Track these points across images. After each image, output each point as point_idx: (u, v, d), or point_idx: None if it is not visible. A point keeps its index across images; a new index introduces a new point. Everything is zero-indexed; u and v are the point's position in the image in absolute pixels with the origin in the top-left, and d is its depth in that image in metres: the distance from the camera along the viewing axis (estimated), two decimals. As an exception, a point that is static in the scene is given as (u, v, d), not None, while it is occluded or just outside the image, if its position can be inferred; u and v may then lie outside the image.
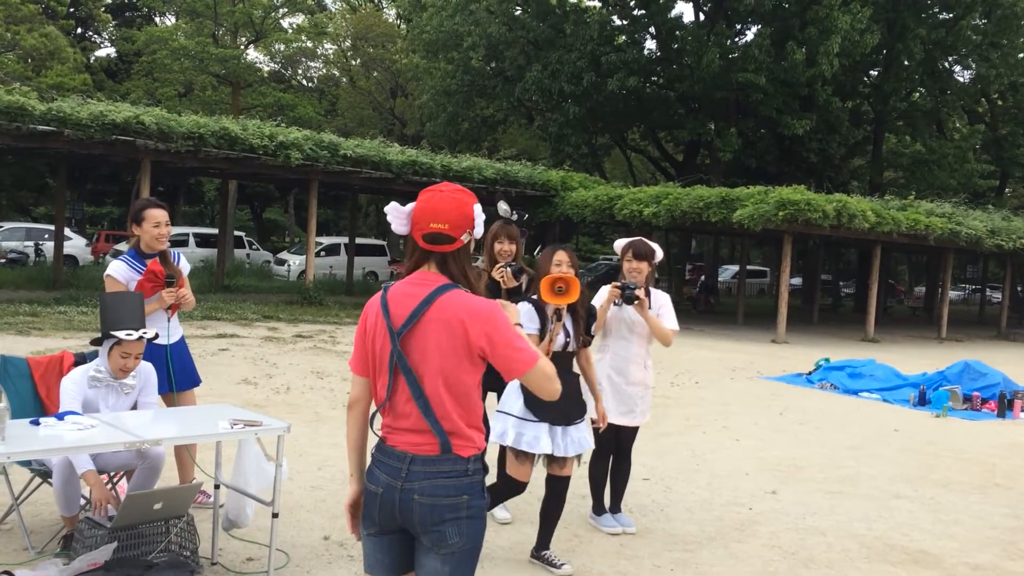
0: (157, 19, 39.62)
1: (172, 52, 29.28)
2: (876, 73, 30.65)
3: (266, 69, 39.81)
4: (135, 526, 4.07)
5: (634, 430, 5.43)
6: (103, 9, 38.40)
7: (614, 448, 5.44)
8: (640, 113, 30.27)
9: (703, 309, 27.40)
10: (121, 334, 4.26)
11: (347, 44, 41.24)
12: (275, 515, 3.95)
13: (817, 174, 30.18)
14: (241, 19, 30.94)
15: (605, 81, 26.60)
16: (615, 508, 5.48)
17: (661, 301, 5.42)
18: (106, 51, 40.89)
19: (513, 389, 4.52)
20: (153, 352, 4.74)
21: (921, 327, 26.60)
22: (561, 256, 4.60)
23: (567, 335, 4.51)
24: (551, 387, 2.64)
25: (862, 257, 31.45)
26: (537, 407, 4.43)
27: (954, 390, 10.94)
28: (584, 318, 4.66)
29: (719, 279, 34.43)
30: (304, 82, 44.41)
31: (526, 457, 4.46)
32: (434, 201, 2.61)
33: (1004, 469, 7.68)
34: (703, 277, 31.59)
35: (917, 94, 31.75)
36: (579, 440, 4.55)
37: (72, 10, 36.17)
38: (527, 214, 5.27)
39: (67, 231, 28.13)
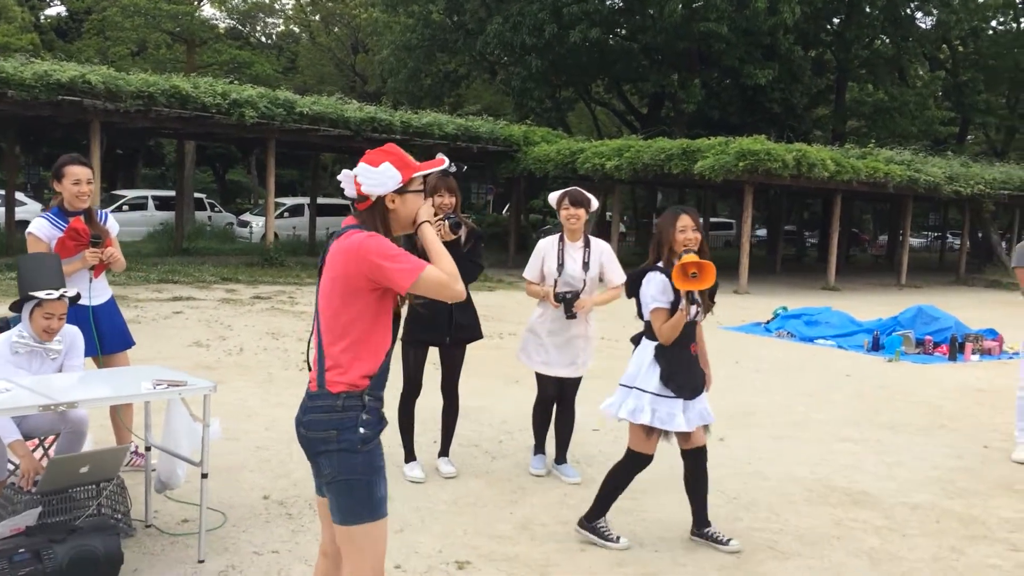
0: (108, -25, 38.57)
1: (123, 9, 28.49)
2: (838, 21, 30.55)
3: (222, 26, 38.97)
4: (64, 490, 4.01)
5: (577, 380, 5.46)
6: (51, -34, 37.33)
7: (557, 397, 5.48)
8: (604, 65, 30.00)
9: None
10: (41, 294, 4.15)
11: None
12: (204, 475, 3.89)
13: (780, 124, 30.16)
14: (193, -26, 30.23)
15: (567, 33, 26.27)
16: (560, 459, 5.52)
17: (602, 249, 5.39)
18: (56, 10, 39.75)
19: (646, 362, 4.26)
20: (77, 314, 4.63)
21: (882, 274, 26.86)
22: (685, 220, 4.20)
23: (697, 306, 4.24)
24: (450, 291, 2.69)
25: (825, 206, 31.63)
26: (674, 384, 4.21)
27: (907, 335, 11.06)
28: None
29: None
30: (263, 39, 43.56)
31: (651, 432, 4.27)
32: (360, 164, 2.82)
33: (951, 411, 7.79)
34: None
35: (879, 41, 31.71)
36: (701, 411, 4.35)
37: (18, -33, 35.09)
38: (465, 166, 5.17)
39: (21, 196, 27.60)
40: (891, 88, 31.22)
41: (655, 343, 4.26)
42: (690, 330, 4.29)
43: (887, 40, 31.53)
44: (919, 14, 31.33)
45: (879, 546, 4.55)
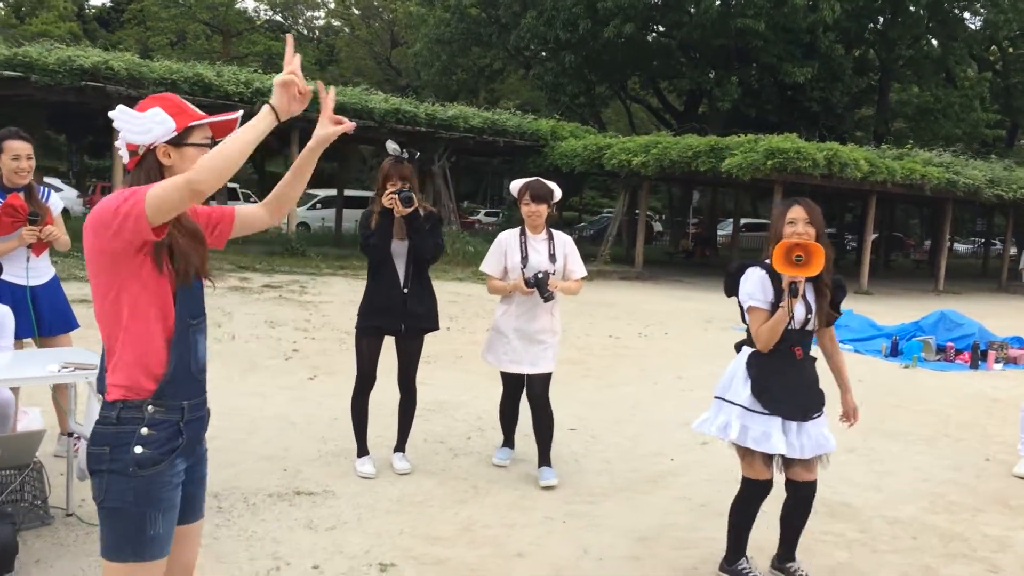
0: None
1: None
2: (882, 20, 29.79)
3: (264, 17, 39.22)
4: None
5: (545, 376, 5.12)
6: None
7: (521, 393, 5.24)
8: (639, 62, 29.61)
9: (698, 261, 27.03)
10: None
11: (347, -8, 40.56)
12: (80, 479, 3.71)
13: (820, 124, 29.53)
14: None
15: (601, 28, 25.96)
16: (542, 461, 5.16)
17: (564, 240, 5.15)
18: (101, 0, 40.35)
19: (739, 375, 3.76)
20: (14, 293, 4.48)
21: (922, 280, 26.11)
22: (797, 212, 3.64)
23: (808, 310, 3.68)
24: (221, 178, 2.11)
25: (865, 209, 30.91)
26: (767, 397, 3.66)
27: (927, 340, 10.60)
28: (830, 288, 3.76)
29: (720, 232, 33.96)
30: (304, 31, 43.77)
31: (753, 455, 3.73)
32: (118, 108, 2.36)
33: (958, 421, 7.38)
34: (691, 229, 31.19)
35: (924, 41, 30.87)
36: (817, 438, 3.73)
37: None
38: (418, 152, 4.94)
39: (59, 183, 28.01)
40: (936, 89, 30.39)
41: (752, 350, 3.74)
42: (795, 337, 3.68)
43: (933, 40, 30.69)
44: (967, 14, 30.45)
45: (846, 561, 4.23)
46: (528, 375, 5.11)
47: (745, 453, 3.76)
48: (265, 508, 4.40)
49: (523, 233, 5.09)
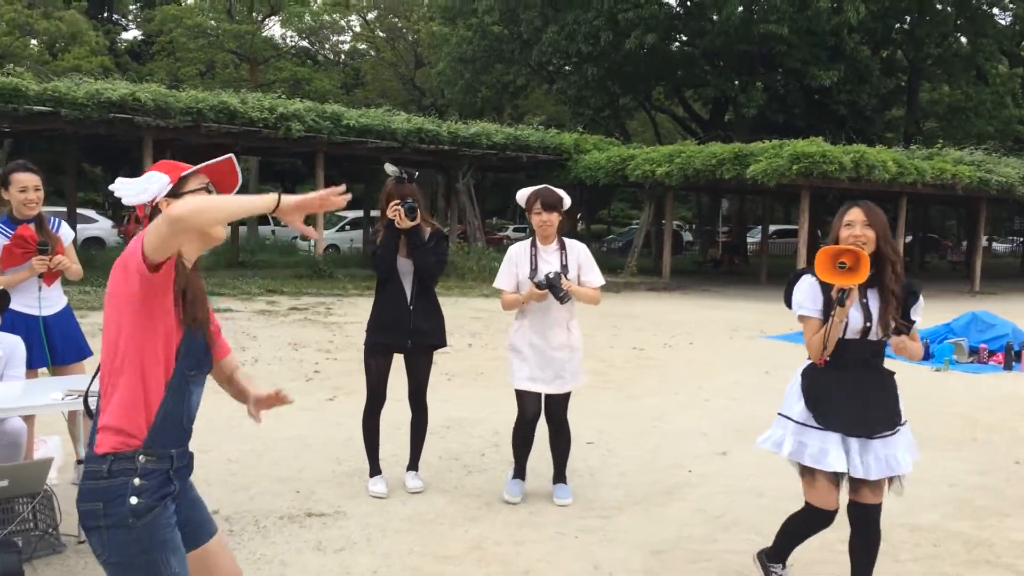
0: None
1: (188, 30, 29.26)
2: (909, 19, 29.44)
3: (291, 44, 39.73)
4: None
5: (564, 397, 4.96)
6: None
7: (538, 415, 4.99)
8: (663, 71, 29.53)
9: (726, 270, 26.81)
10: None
11: (371, 16, 40.96)
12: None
13: (847, 127, 29.20)
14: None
15: (623, 40, 25.94)
16: (557, 478, 5.07)
17: (579, 249, 5.00)
18: (132, 33, 41.17)
19: (795, 389, 3.57)
20: (27, 324, 4.55)
21: (957, 281, 25.65)
22: (855, 214, 3.40)
23: (867, 318, 3.41)
24: (202, 218, 2.15)
25: (895, 211, 30.49)
26: (821, 411, 3.43)
27: (959, 342, 10.40)
28: (897, 296, 3.42)
29: (750, 239, 33.67)
30: (330, 56, 44.27)
31: (813, 475, 3.48)
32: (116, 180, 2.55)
33: (988, 423, 7.22)
34: (722, 237, 30.95)
35: (953, 39, 30.45)
36: (887, 459, 3.44)
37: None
38: (417, 172, 4.94)
39: (93, 214, 28.51)
40: (967, 87, 29.94)
41: (809, 361, 3.53)
42: (854, 348, 3.41)
43: (962, 38, 30.27)
44: (995, 10, 30.00)
45: (864, 572, 4.13)
46: (549, 396, 4.92)
47: (805, 472, 3.53)
48: (275, 530, 4.40)
49: (534, 245, 4.92)
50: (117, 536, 2.27)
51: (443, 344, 5.05)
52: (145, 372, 2.29)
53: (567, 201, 4.96)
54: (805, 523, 3.63)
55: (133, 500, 2.27)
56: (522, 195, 4.98)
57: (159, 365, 2.31)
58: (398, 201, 4.70)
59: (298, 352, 9.78)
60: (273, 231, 31.19)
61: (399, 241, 4.80)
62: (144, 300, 2.27)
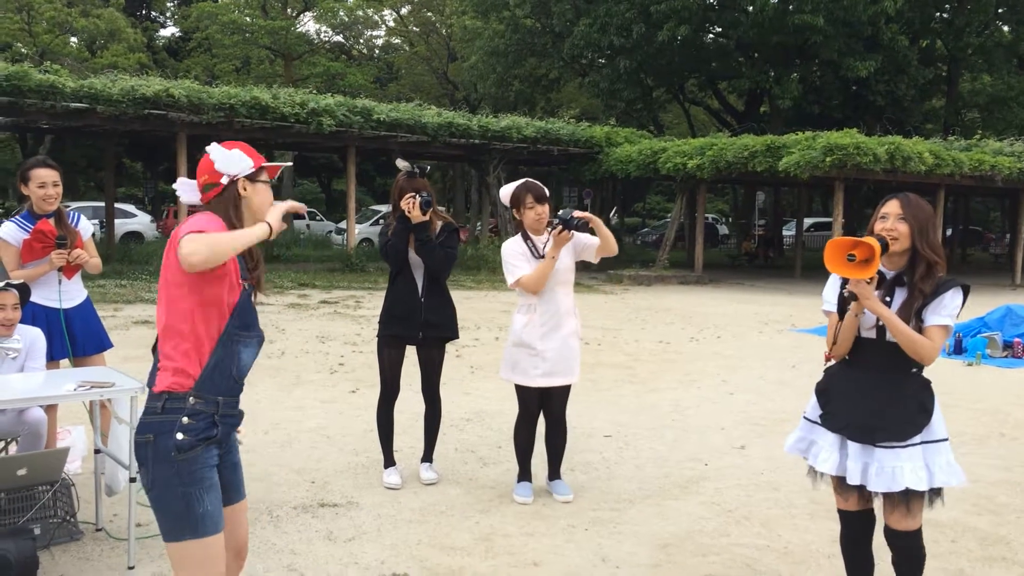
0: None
1: (223, 27, 29.57)
2: (948, 8, 28.91)
3: (325, 39, 39.98)
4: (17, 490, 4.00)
5: (566, 390, 4.92)
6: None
7: (539, 412, 4.94)
8: (697, 64, 29.28)
9: (761, 264, 26.56)
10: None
11: (405, 10, 41.10)
12: (132, 480, 3.81)
13: (883, 118, 28.75)
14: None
15: (655, 32, 25.76)
16: (553, 475, 5.04)
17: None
18: (170, 30, 41.70)
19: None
20: (48, 316, 4.65)
21: (999, 275, 25.18)
22: (890, 206, 3.17)
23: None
24: (214, 261, 2.43)
25: (933, 203, 29.96)
26: (827, 409, 3.30)
27: (993, 337, 10.23)
28: (926, 295, 3.13)
29: (786, 232, 33.31)
30: (364, 51, 44.49)
31: (817, 473, 3.37)
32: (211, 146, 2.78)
33: (1016, 419, 7.09)
34: (758, 230, 30.63)
35: (994, 28, 29.83)
36: (893, 471, 3.13)
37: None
38: (428, 166, 4.95)
39: (132, 208, 29.00)
40: (1008, 77, 29.34)
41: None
42: (872, 347, 3.21)
43: (1003, 26, 29.64)
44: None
45: (878, 566, 4.09)
46: (551, 391, 4.86)
47: (810, 469, 3.41)
48: (288, 520, 4.46)
49: (527, 239, 4.87)
50: (161, 469, 2.52)
51: (454, 336, 5.07)
52: (201, 324, 2.56)
53: (546, 192, 4.92)
54: (844, 536, 3.48)
55: (179, 436, 2.52)
56: (506, 192, 4.89)
57: (214, 320, 2.58)
58: (413, 193, 4.73)
59: (324, 345, 9.88)
60: (308, 225, 31.47)
61: (411, 234, 4.83)
62: (202, 283, 2.56)
